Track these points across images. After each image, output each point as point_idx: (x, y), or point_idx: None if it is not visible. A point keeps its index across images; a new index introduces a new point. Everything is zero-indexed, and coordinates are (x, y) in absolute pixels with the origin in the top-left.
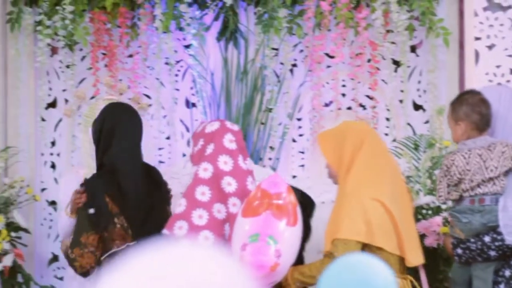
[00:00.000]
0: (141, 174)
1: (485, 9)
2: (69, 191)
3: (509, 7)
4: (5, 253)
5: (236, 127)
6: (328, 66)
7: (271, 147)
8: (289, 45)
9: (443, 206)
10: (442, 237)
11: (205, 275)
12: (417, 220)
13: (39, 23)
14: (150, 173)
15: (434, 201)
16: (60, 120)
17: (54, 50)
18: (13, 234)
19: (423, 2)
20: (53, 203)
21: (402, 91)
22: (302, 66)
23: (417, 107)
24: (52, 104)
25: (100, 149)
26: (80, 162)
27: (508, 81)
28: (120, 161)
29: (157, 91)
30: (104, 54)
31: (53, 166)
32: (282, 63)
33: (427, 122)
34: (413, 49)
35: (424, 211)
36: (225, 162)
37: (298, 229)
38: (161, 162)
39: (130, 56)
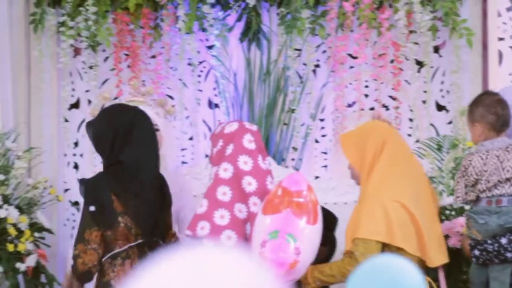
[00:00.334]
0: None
1: (508, 9)
2: None
3: None
4: (28, 253)
5: (254, 127)
6: (351, 67)
7: (294, 148)
8: (312, 45)
9: (467, 207)
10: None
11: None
12: (441, 221)
13: (62, 24)
14: (161, 179)
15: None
16: (83, 121)
17: (77, 51)
18: (36, 234)
19: (447, 2)
20: (76, 204)
21: (425, 91)
22: (325, 66)
23: (440, 107)
24: (75, 105)
25: (112, 149)
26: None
27: None
28: (141, 162)
29: (180, 92)
30: (127, 55)
31: (76, 166)
32: (305, 64)
33: (450, 122)
34: (436, 49)
35: (447, 212)
36: (245, 162)
37: (318, 227)
38: (184, 162)
39: (153, 57)
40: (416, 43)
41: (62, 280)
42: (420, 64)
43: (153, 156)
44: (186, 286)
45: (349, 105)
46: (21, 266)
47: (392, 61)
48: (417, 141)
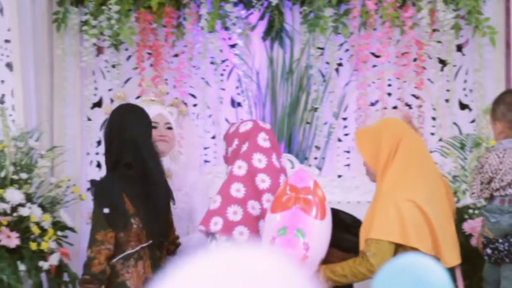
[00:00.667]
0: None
1: None
2: None
3: None
4: (51, 252)
5: (268, 126)
6: (374, 66)
7: (316, 147)
8: (334, 44)
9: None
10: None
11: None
12: (463, 220)
13: (85, 23)
14: (165, 179)
15: (480, 200)
16: (106, 120)
17: (100, 50)
18: (59, 233)
19: (469, 1)
20: None
21: (448, 90)
22: (348, 65)
23: (463, 106)
24: (98, 104)
25: (111, 149)
26: None
27: None
28: (149, 164)
29: (202, 91)
30: (149, 53)
31: (98, 165)
32: (327, 63)
33: (473, 121)
34: (459, 48)
35: (470, 211)
36: (259, 160)
37: (327, 222)
38: (206, 161)
39: (176, 55)
40: (439, 42)
41: None
42: (443, 62)
43: (154, 155)
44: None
45: (372, 104)
46: (44, 265)
47: (415, 60)
48: (440, 139)
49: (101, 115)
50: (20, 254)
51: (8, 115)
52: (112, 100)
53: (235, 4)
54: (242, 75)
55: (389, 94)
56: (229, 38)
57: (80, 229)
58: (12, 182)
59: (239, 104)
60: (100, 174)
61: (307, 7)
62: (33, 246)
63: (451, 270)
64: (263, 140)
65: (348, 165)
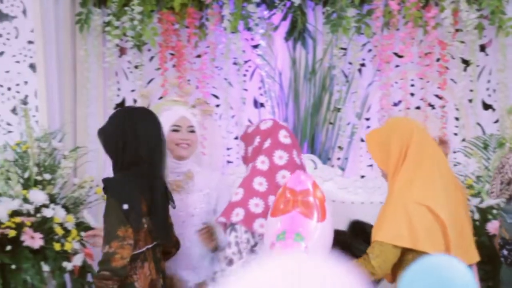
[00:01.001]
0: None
1: None
2: None
3: None
4: (75, 252)
5: (285, 124)
6: (397, 66)
7: (339, 147)
8: (357, 44)
9: None
10: None
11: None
12: (487, 220)
13: (108, 23)
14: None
15: (503, 200)
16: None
17: (122, 51)
18: (82, 233)
19: (493, 0)
20: None
21: (471, 90)
22: (371, 65)
23: (486, 106)
24: (121, 104)
25: (124, 152)
26: None
27: None
28: (154, 166)
29: (225, 91)
30: (172, 54)
31: None
32: (350, 63)
33: (496, 121)
34: (482, 48)
35: (494, 211)
36: (280, 157)
37: (327, 224)
38: (229, 162)
39: (198, 56)
40: (462, 42)
41: None
42: (466, 62)
43: (162, 158)
44: None
45: (395, 104)
46: (68, 265)
47: (438, 60)
48: (464, 140)
49: None
50: (44, 254)
51: (32, 116)
52: (135, 101)
53: (258, 5)
54: (264, 76)
55: (412, 94)
56: (252, 39)
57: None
58: (36, 183)
59: (261, 105)
60: None
61: (329, 7)
62: (57, 246)
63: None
64: (283, 137)
65: (371, 165)
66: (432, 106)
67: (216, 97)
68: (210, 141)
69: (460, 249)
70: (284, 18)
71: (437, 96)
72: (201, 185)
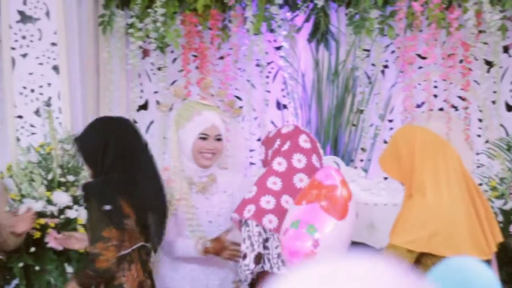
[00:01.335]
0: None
1: None
2: None
3: None
4: None
5: (307, 130)
6: (420, 67)
7: (362, 149)
8: (380, 46)
9: None
10: None
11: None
12: (511, 222)
13: (131, 25)
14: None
15: None
16: (151, 122)
17: (145, 53)
18: None
19: None
20: None
21: (494, 92)
22: (394, 67)
23: (510, 108)
24: (144, 106)
25: (103, 161)
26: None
27: None
28: (142, 173)
29: (248, 93)
30: (195, 56)
31: None
32: (373, 64)
33: None
34: (505, 49)
35: None
36: (298, 160)
37: (346, 224)
38: (252, 163)
39: (221, 58)
40: (485, 43)
41: None
42: (489, 64)
43: (152, 167)
44: None
45: (418, 106)
46: None
47: (461, 61)
48: (487, 141)
49: (147, 117)
50: (67, 256)
51: (55, 118)
52: (157, 102)
53: (281, 6)
54: (287, 77)
55: (435, 96)
56: (275, 40)
57: None
58: (59, 184)
59: (284, 106)
60: None
61: (352, 8)
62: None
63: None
64: (304, 141)
65: None
66: (455, 107)
67: (239, 98)
68: (233, 143)
69: (476, 249)
70: (307, 20)
71: (460, 97)
72: (225, 186)
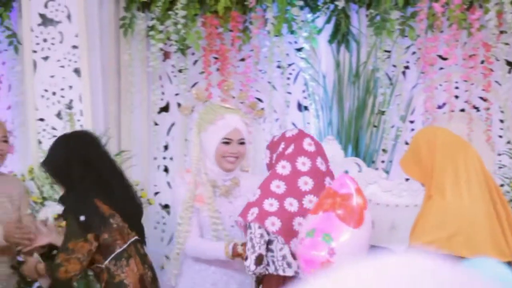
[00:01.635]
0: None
1: None
2: (178, 195)
3: None
4: None
5: (311, 134)
6: (441, 68)
7: (383, 150)
8: (401, 47)
9: None
10: None
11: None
12: None
13: (152, 28)
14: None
15: None
16: (172, 124)
17: (166, 55)
18: None
19: None
20: (166, 207)
21: None
22: (415, 68)
23: None
24: (165, 108)
25: (72, 175)
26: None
27: None
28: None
29: (269, 95)
30: (216, 58)
31: (166, 170)
32: (394, 66)
33: None
34: None
35: None
36: (303, 163)
37: (362, 232)
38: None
39: (242, 59)
40: (506, 44)
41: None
42: (510, 64)
43: (119, 170)
44: None
45: (439, 107)
46: None
47: (482, 62)
48: (509, 142)
49: (168, 119)
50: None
51: (76, 121)
52: (179, 104)
53: (301, 8)
54: (308, 79)
55: (457, 97)
56: (295, 42)
57: (148, 233)
58: None
59: (305, 108)
60: (167, 179)
61: (373, 10)
62: None
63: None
64: (308, 144)
65: None
66: (476, 108)
67: (260, 100)
68: (254, 145)
69: (496, 250)
70: (327, 21)
71: (481, 98)
72: (247, 189)
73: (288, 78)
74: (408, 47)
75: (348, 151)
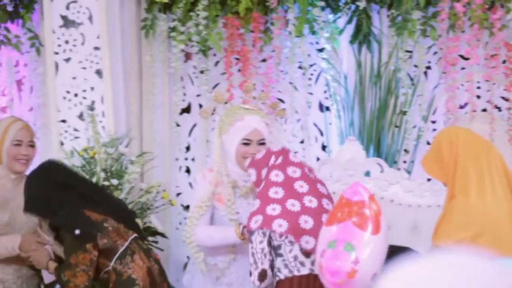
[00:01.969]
0: None
1: None
2: (196, 192)
3: None
4: None
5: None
6: (463, 68)
7: (405, 150)
8: (423, 47)
9: None
10: None
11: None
12: None
13: (173, 29)
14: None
15: None
16: (194, 125)
17: (188, 56)
18: (150, 238)
19: None
20: (188, 208)
21: None
22: (436, 68)
23: None
24: (187, 109)
25: (52, 203)
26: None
27: None
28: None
29: (290, 95)
30: (237, 59)
31: (188, 171)
32: (416, 66)
33: None
34: None
35: None
36: (294, 171)
37: (381, 238)
38: None
39: (264, 60)
40: None
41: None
42: None
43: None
44: None
45: (461, 107)
46: None
47: (504, 62)
48: None
49: (190, 120)
50: None
51: (98, 122)
52: (200, 105)
53: (323, 9)
54: (330, 79)
55: (478, 97)
56: (317, 43)
57: (170, 234)
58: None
59: (327, 108)
60: (189, 179)
61: (394, 10)
62: None
63: None
64: (293, 156)
65: None
66: (498, 108)
67: (282, 101)
68: (275, 145)
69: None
70: (349, 22)
71: (503, 98)
72: None
73: (310, 79)
74: (429, 47)
75: (370, 151)
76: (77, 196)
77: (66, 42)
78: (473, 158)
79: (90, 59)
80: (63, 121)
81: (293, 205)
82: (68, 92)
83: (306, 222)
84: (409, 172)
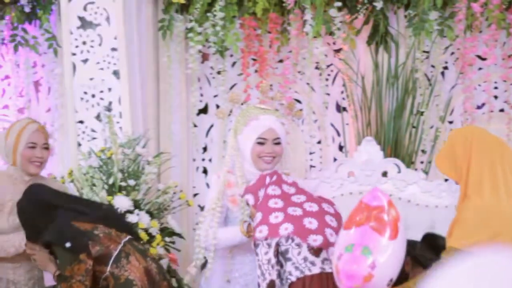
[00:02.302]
0: None
1: None
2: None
3: None
4: (159, 258)
5: None
6: (480, 68)
7: (422, 151)
8: (440, 47)
9: None
10: None
11: None
12: None
13: (190, 30)
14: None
15: None
16: (211, 126)
17: (205, 57)
18: (167, 239)
19: None
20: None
21: None
22: (454, 68)
23: None
24: (204, 110)
25: (39, 223)
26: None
27: None
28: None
29: (307, 96)
30: (254, 59)
31: (205, 171)
32: (433, 66)
33: None
34: None
35: None
36: (288, 189)
37: (398, 243)
38: (312, 166)
39: (281, 61)
40: None
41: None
42: None
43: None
44: None
45: (479, 107)
46: None
47: None
48: None
49: (207, 121)
50: None
51: (116, 123)
52: (217, 106)
53: (340, 9)
54: (347, 80)
55: (496, 97)
56: (334, 43)
57: (187, 235)
58: (120, 189)
59: (344, 109)
60: (206, 180)
61: (411, 10)
62: None
63: None
64: (286, 177)
65: None
66: None
67: (299, 101)
68: (292, 146)
69: None
70: (366, 22)
71: None
72: None
73: (327, 79)
74: (447, 48)
75: (387, 152)
76: (63, 211)
77: (84, 43)
78: (487, 158)
79: (107, 60)
80: (81, 122)
81: (294, 211)
82: (85, 93)
83: (311, 223)
84: (426, 173)
